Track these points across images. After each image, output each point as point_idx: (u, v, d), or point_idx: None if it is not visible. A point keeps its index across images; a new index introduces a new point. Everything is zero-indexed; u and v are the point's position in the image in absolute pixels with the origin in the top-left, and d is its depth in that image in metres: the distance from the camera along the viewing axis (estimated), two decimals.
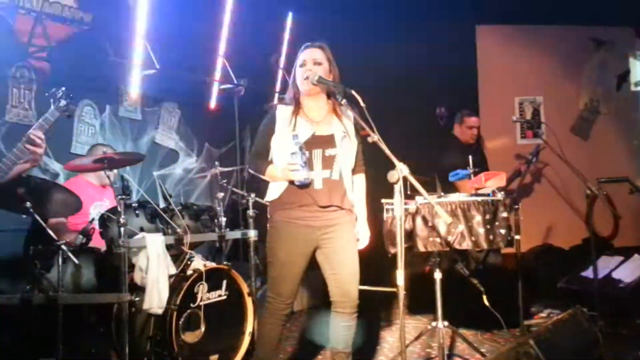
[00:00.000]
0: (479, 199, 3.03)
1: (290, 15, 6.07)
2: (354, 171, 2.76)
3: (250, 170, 2.82)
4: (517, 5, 5.59)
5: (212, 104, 5.58)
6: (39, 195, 3.02)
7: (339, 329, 2.71)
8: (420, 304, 3.98)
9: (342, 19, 5.48)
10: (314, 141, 2.61)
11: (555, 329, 2.34)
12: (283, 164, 2.60)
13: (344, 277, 2.67)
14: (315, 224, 2.63)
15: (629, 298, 4.05)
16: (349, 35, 5.39)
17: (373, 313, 4.51)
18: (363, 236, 2.79)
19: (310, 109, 2.71)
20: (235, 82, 5.46)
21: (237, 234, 3.88)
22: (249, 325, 3.39)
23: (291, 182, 2.61)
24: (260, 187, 3.28)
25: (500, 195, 3.06)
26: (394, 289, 4.56)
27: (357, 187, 2.79)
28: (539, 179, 5.77)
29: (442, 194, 3.16)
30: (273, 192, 2.71)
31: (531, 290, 4.08)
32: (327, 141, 2.66)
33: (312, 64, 2.66)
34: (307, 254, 2.67)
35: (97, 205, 3.67)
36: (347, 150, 2.70)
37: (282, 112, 2.70)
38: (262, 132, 2.75)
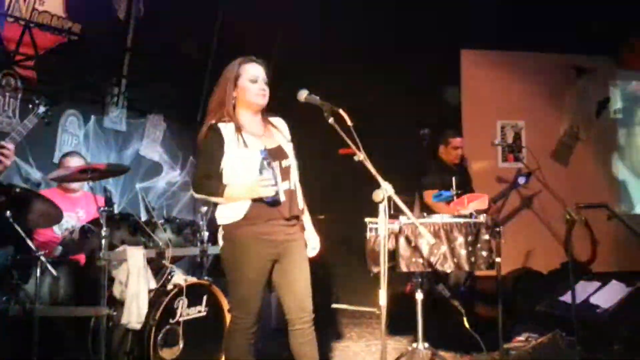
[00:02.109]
0: (462, 220, 3.07)
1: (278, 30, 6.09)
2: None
3: (198, 194, 2.61)
4: (502, 31, 5.71)
5: (198, 117, 5.57)
6: (19, 204, 2.98)
7: (302, 346, 2.64)
8: (399, 324, 3.98)
9: (325, 41, 5.52)
10: (269, 154, 2.54)
11: (536, 353, 2.36)
12: (249, 181, 2.51)
13: (300, 292, 2.63)
14: (279, 238, 2.59)
15: (607, 323, 4.08)
16: (333, 55, 5.44)
17: (351, 333, 4.49)
18: (315, 243, 2.77)
19: (250, 124, 2.67)
20: None
21: (219, 249, 3.85)
22: None
23: (255, 200, 2.52)
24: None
25: (482, 218, 3.10)
26: (372, 309, 4.62)
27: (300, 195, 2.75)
28: (519, 202, 5.84)
29: (424, 214, 3.20)
30: (233, 213, 2.57)
31: (509, 313, 4.10)
32: (279, 153, 2.64)
33: (263, 82, 2.65)
34: (269, 270, 2.61)
35: (66, 216, 3.58)
36: (293, 158, 2.71)
37: (226, 130, 2.60)
38: (211, 153, 2.59)
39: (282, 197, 2.56)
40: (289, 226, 2.63)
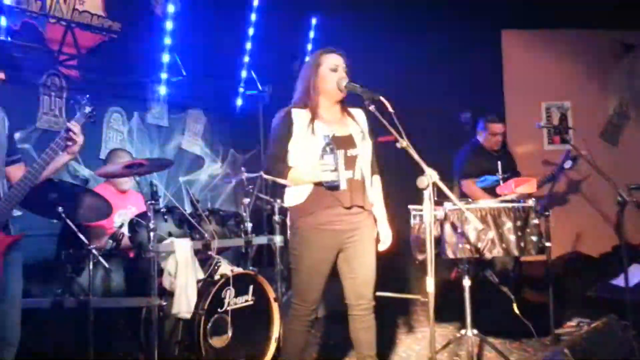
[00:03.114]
0: (510, 205, 3.00)
1: (313, 21, 6.08)
2: (371, 171, 2.76)
3: (267, 175, 2.76)
4: (543, 9, 5.52)
5: (237, 110, 5.63)
6: (70, 200, 3.08)
7: (359, 332, 2.71)
8: (445, 311, 3.93)
9: (365, 25, 5.48)
10: (335, 142, 2.58)
11: (590, 338, 2.29)
12: (311, 165, 2.58)
13: (361, 281, 2.68)
14: (341, 228, 2.63)
15: None
16: (373, 41, 5.40)
17: (397, 321, 4.47)
18: (385, 237, 2.79)
19: (327, 112, 2.71)
20: (260, 88, 5.52)
21: (263, 240, 3.90)
22: (275, 331, 3.39)
23: (317, 185, 2.59)
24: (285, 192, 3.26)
25: (531, 202, 3.02)
26: (417, 296, 4.59)
27: (375, 188, 2.79)
28: (567, 185, 5.68)
29: (469, 200, 3.14)
30: (296, 197, 2.67)
31: (560, 299, 4.01)
32: (347, 141, 2.66)
33: (343, 71, 2.67)
34: (332, 260, 2.67)
35: (120, 213, 3.69)
36: (365, 150, 2.71)
37: (299, 116, 2.68)
38: (279, 136, 2.70)
39: (343, 185, 2.58)
40: (352, 215, 2.64)
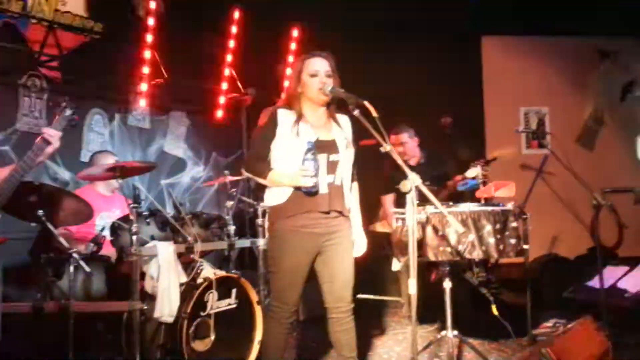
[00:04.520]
0: (490, 208, 3.05)
1: (294, 32, 6.10)
2: (351, 178, 2.78)
3: (247, 172, 2.78)
4: (523, 16, 5.64)
5: (220, 113, 5.62)
6: (51, 203, 3.04)
7: (339, 334, 2.74)
8: (423, 312, 3.99)
9: (347, 28, 5.51)
10: (318, 146, 2.61)
11: (568, 338, 2.35)
12: (292, 170, 2.59)
13: (339, 284, 2.71)
14: (319, 231, 2.65)
15: (635, 308, 4.05)
16: (354, 44, 5.43)
17: (376, 323, 4.51)
18: (361, 243, 2.82)
19: (312, 115, 2.73)
20: (243, 91, 5.52)
21: (246, 243, 3.91)
22: (258, 334, 3.39)
23: (296, 188, 2.61)
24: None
25: (510, 205, 3.08)
26: (397, 298, 4.63)
27: (353, 194, 2.82)
28: (544, 188, 5.78)
29: (450, 203, 3.19)
30: (276, 197, 2.68)
31: (536, 300, 4.09)
32: (330, 146, 2.68)
33: (325, 75, 2.68)
34: (310, 262, 2.69)
35: (102, 216, 3.66)
36: (348, 156, 2.73)
37: (284, 117, 2.68)
38: (262, 135, 2.72)
39: (322, 190, 2.61)
40: (330, 219, 2.67)
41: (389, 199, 4.38)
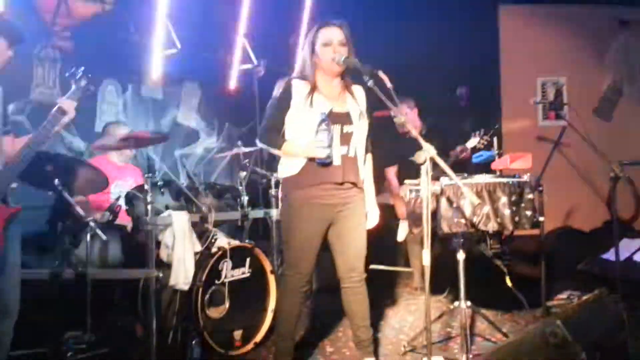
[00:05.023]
0: (505, 180, 3.02)
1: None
2: (365, 150, 2.77)
3: (261, 143, 2.76)
4: None
5: (232, 84, 5.59)
6: (67, 172, 3.06)
7: (352, 304, 2.77)
8: (435, 284, 3.99)
9: (362, 1, 5.42)
10: (332, 117, 2.59)
11: (582, 310, 2.34)
12: (305, 140, 2.59)
13: (352, 254, 2.73)
14: (332, 202, 2.66)
15: None
16: (369, 14, 5.35)
17: (389, 293, 4.54)
18: (373, 215, 2.84)
19: (326, 86, 2.71)
20: (255, 62, 5.48)
21: (259, 213, 3.92)
22: (272, 302, 3.43)
23: (310, 159, 2.61)
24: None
25: (526, 177, 3.05)
26: (409, 269, 4.63)
27: (367, 166, 2.81)
28: (560, 160, 5.72)
29: (465, 175, 3.15)
30: (289, 169, 2.69)
31: (551, 272, 4.08)
32: (344, 118, 2.67)
33: (338, 45, 2.63)
34: (323, 232, 2.71)
35: (117, 184, 3.71)
36: (362, 128, 2.72)
37: (299, 88, 2.66)
38: (277, 106, 2.70)
39: (336, 161, 2.61)
40: (343, 190, 2.67)
41: (392, 171, 4.36)
